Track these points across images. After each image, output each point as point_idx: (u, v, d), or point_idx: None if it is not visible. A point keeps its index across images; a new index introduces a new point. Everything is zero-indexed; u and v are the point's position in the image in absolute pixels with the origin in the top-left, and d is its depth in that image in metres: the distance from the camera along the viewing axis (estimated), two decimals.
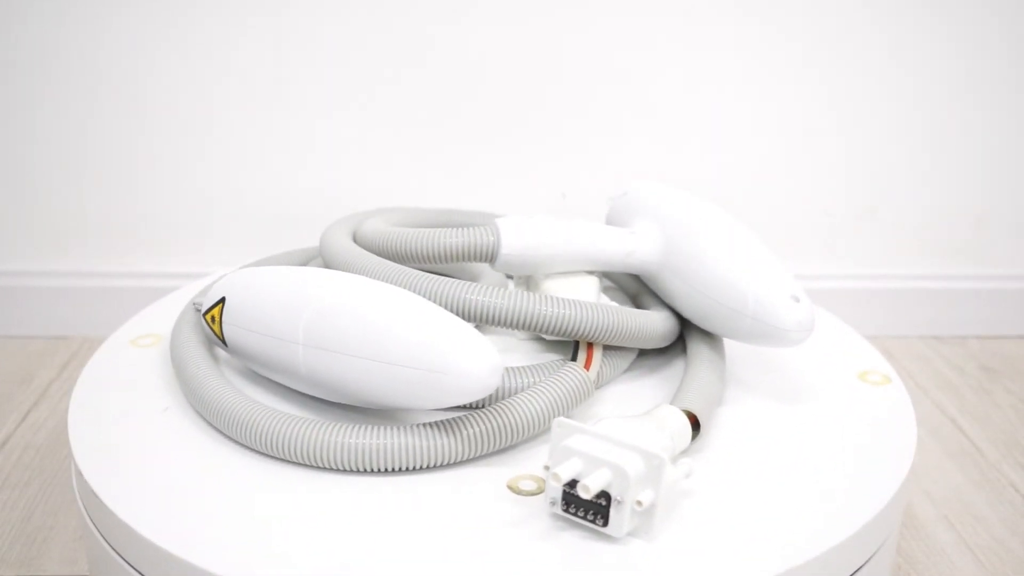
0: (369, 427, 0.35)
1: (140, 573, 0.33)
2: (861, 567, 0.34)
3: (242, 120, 0.71)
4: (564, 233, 0.43)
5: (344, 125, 0.72)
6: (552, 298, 0.39)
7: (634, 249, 0.44)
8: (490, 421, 0.35)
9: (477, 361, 0.32)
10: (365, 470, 0.35)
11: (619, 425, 0.33)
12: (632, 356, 0.44)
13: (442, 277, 0.40)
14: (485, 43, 0.70)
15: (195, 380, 0.39)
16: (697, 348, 0.43)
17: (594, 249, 0.43)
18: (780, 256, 0.43)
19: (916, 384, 0.71)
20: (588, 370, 0.39)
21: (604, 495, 0.31)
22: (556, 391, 0.37)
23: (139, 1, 0.68)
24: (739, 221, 0.43)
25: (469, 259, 0.42)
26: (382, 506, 0.33)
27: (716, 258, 0.41)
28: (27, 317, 0.75)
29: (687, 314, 0.43)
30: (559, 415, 0.36)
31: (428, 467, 0.35)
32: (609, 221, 0.47)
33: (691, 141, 0.74)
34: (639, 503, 0.30)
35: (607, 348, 0.42)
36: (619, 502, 0.30)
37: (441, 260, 0.42)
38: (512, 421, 0.36)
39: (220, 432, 0.38)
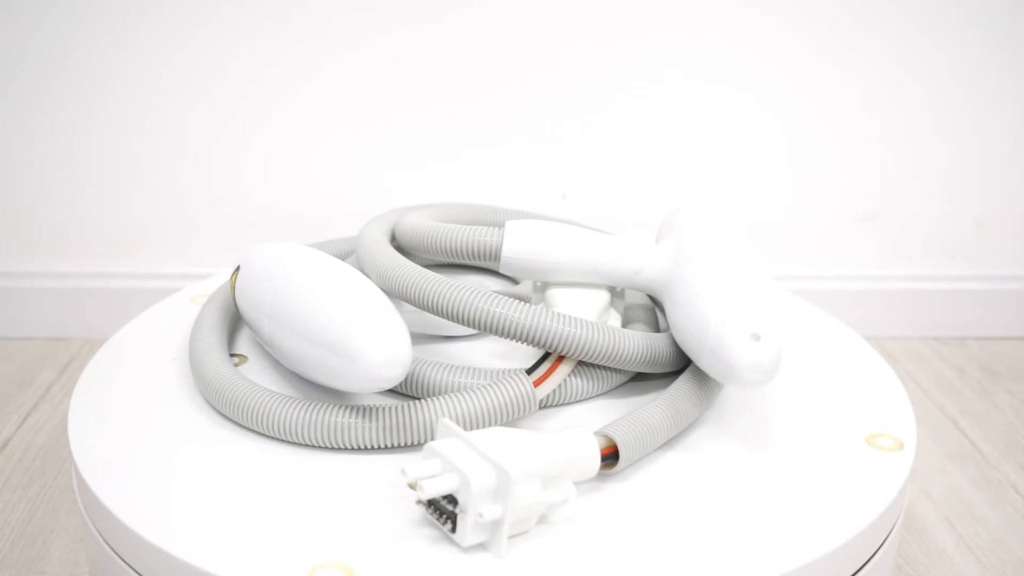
0: (285, 400, 0.36)
1: (140, 575, 0.33)
2: (861, 568, 0.34)
3: (245, 121, 0.71)
4: (569, 242, 0.41)
5: (348, 126, 0.72)
6: (511, 303, 0.37)
7: (642, 267, 0.41)
8: (401, 416, 0.35)
9: (378, 351, 0.32)
10: (291, 440, 0.36)
11: (496, 436, 0.31)
12: (621, 377, 0.41)
13: (432, 275, 0.39)
14: (486, 44, 0.70)
15: (192, 349, 0.41)
16: (679, 380, 0.39)
17: (601, 262, 0.41)
18: (780, 258, 0.41)
19: (916, 385, 0.71)
20: (539, 384, 0.37)
21: (456, 502, 0.30)
22: (486, 400, 0.36)
23: (139, 2, 0.68)
24: (745, 248, 0.40)
25: (475, 258, 0.41)
26: (293, 477, 0.34)
27: (691, 285, 0.38)
28: (27, 319, 0.75)
29: (678, 342, 0.39)
30: (482, 422, 0.35)
31: (339, 448, 0.36)
32: (656, 239, 0.44)
33: (692, 143, 0.74)
34: (480, 515, 0.29)
35: (597, 366, 0.40)
36: (464, 511, 0.30)
37: (450, 256, 0.42)
38: (423, 419, 0.35)
39: (214, 408, 0.39)
